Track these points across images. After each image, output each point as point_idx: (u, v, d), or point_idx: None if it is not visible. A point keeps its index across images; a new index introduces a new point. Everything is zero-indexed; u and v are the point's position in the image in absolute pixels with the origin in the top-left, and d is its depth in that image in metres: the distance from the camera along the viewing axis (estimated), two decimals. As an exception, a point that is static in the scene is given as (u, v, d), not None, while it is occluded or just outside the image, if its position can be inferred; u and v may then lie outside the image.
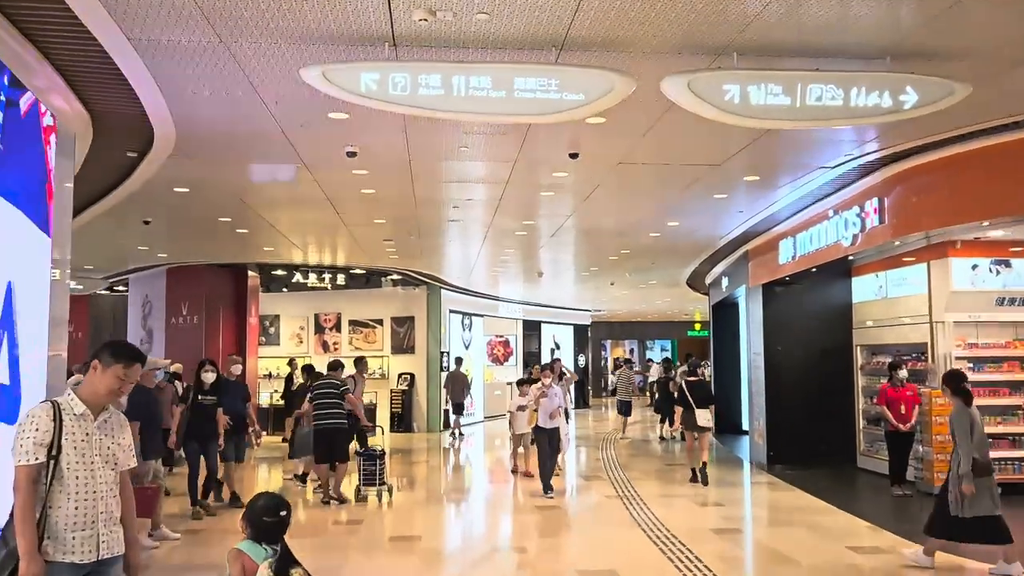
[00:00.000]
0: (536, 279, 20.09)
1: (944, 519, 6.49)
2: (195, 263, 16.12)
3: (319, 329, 22.22)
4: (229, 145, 7.27)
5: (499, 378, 25.80)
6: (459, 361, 19.79)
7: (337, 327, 22.01)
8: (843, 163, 8.04)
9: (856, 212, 9.20)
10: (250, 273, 17.54)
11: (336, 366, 10.97)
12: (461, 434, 19.03)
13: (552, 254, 15.17)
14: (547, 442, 10.52)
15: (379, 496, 10.54)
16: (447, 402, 19.48)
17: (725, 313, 19.31)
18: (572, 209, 10.56)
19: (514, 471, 12.46)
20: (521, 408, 11.77)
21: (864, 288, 12.74)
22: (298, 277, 17.40)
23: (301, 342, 22.41)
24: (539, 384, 10.91)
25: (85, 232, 11.76)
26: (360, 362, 13.09)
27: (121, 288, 19.54)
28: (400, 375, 20.78)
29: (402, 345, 21.16)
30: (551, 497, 10.28)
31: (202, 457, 9.22)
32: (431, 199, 9.90)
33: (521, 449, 12.49)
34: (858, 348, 12.86)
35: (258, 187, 9.03)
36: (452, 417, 18.99)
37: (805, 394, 12.92)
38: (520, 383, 12.51)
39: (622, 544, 8.04)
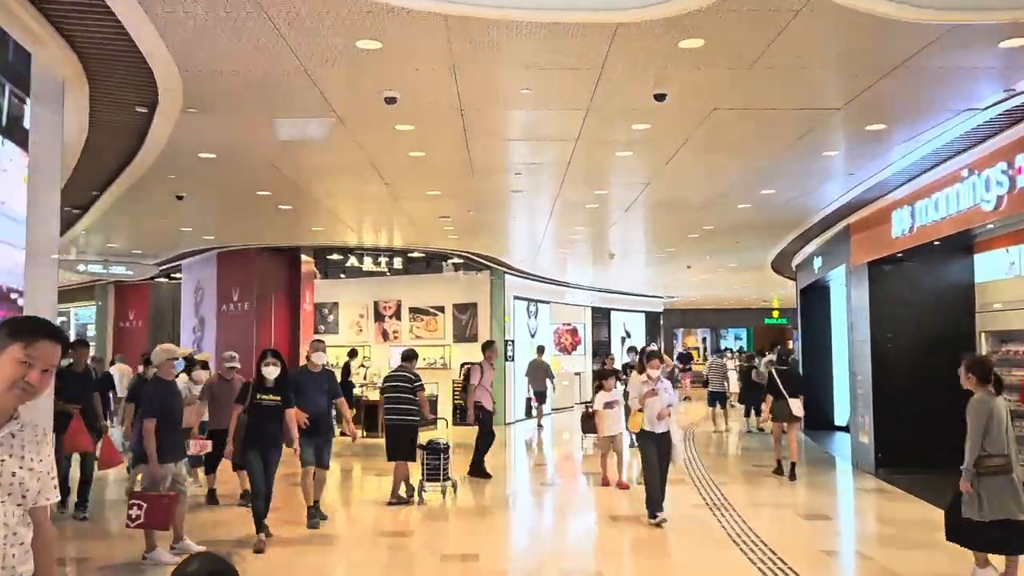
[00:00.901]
0: (606, 262, 18.69)
1: (961, 523, 5.76)
2: (244, 246, 15.22)
3: (378, 317, 21.27)
4: (245, 92, 6.12)
5: (566, 368, 24.51)
6: (541, 349, 19.17)
7: (397, 315, 21.02)
8: (998, 103, 6.45)
9: (1003, 169, 7.56)
10: (304, 257, 16.60)
11: (410, 356, 9.97)
12: (540, 424, 18.66)
13: (625, 232, 13.77)
14: (655, 450, 8.12)
15: (443, 492, 9.79)
16: (529, 390, 19.15)
17: (815, 297, 17.59)
18: (651, 175, 9.16)
19: (605, 483, 10.35)
20: (609, 405, 10.23)
21: (991, 265, 10.96)
22: (352, 261, 16.36)
23: (360, 330, 21.51)
24: (642, 377, 8.23)
25: (117, 212, 10.91)
26: (489, 347, 11.48)
27: (178, 276, 18.94)
28: (463, 365, 19.64)
29: (464, 333, 20.03)
30: (657, 521, 8.11)
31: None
32: (490, 164, 8.63)
33: (613, 456, 10.62)
34: (983, 335, 11.11)
35: (290, 150, 7.90)
36: (535, 405, 18.84)
37: (919, 388, 11.20)
38: (602, 377, 11.14)
39: (720, 570, 6.67)
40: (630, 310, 28.24)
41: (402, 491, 9.50)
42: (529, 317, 21.78)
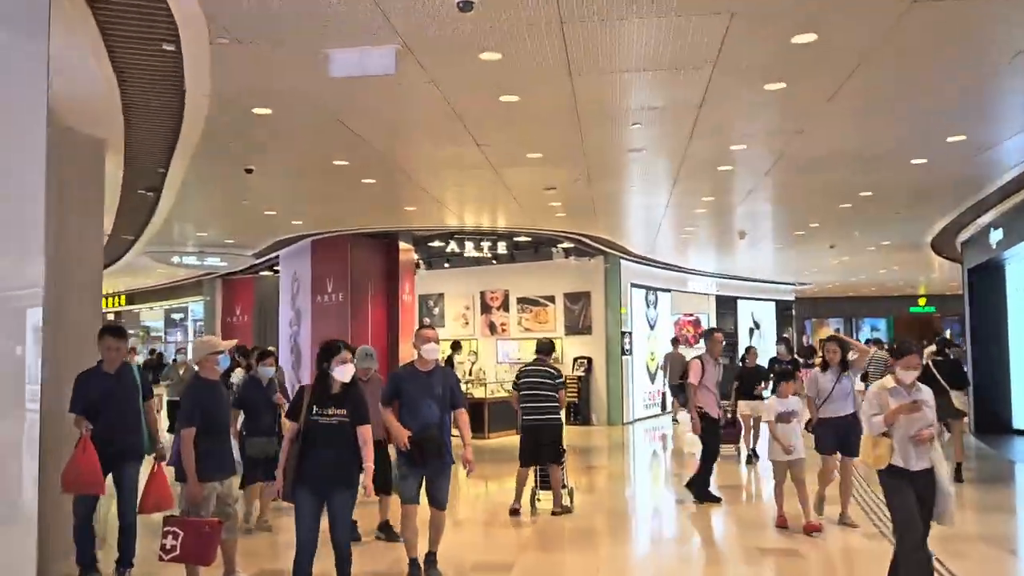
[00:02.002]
0: (733, 245, 16.64)
1: None
2: (338, 232, 14.11)
3: (485, 308, 19.95)
4: (282, 12, 4.73)
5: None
6: (676, 342, 18.18)
7: (504, 306, 19.63)
8: None
9: None
10: (402, 245, 15.38)
11: (548, 349, 8.97)
12: (676, 419, 17.90)
13: (760, 205, 11.80)
14: (913, 498, 4.97)
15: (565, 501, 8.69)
16: (665, 385, 18.47)
17: (986, 279, 15.01)
18: (805, 119, 7.28)
19: (782, 523, 7.64)
20: (784, 417, 7.50)
21: None
22: (453, 246, 15.03)
23: (466, 323, 20.26)
24: (886, 383, 5.25)
25: (193, 193, 9.91)
26: (710, 336, 9.28)
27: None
28: (576, 359, 18.08)
29: (577, 325, 18.42)
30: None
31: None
32: (602, 113, 6.99)
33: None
34: None
35: (353, 99, 6.49)
36: (671, 400, 18.28)
37: None
38: (751, 377, 9.34)
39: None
40: (759, 298, 25.84)
41: (525, 498, 8.69)
42: (648, 307, 19.93)
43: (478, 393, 15.97)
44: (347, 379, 5.16)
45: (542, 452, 8.51)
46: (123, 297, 29.34)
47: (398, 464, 6.15)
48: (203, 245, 15.20)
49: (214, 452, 5.64)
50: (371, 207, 11.40)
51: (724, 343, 9.10)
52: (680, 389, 17.71)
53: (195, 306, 26.49)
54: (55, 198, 7.12)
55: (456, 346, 16.71)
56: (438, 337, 6.29)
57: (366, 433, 5.16)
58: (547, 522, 8.22)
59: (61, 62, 4.79)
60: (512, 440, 14.45)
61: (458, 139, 7.65)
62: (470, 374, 17.54)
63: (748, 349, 12.01)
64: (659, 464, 13.90)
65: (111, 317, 32.86)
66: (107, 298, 30.01)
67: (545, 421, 8.51)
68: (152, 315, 31.47)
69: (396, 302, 15.16)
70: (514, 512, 8.47)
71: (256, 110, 6.65)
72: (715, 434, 9.10)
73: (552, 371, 8.68)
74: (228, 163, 8.53)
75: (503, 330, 19.59)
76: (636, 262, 18.57)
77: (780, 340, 15.71)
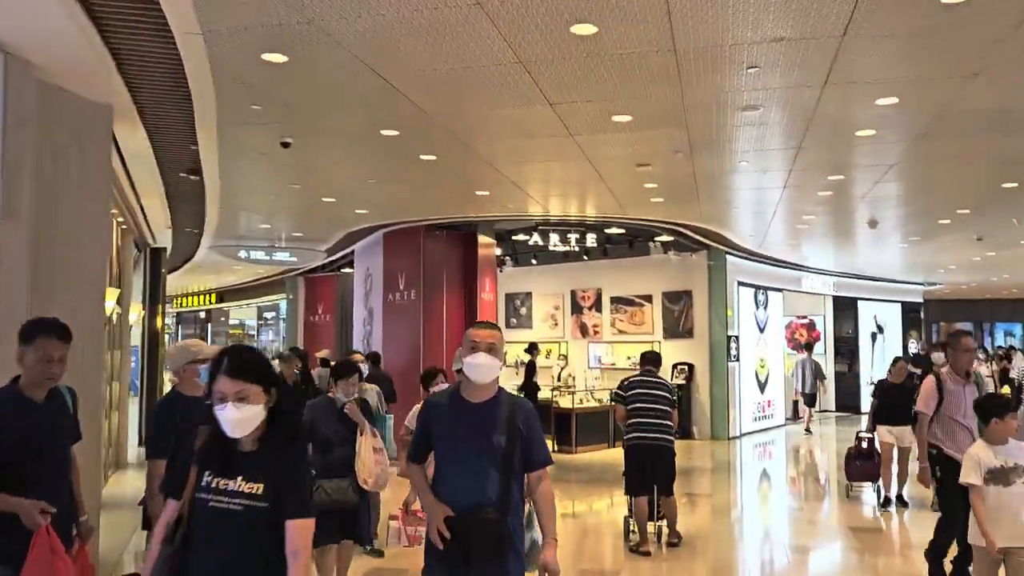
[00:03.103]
0: (859, 236, 14.52)
1: None
2: (408, 222, 12.85)
3: (576, 308, 18.39)
4: None
5: (803, 370, 20.32)
6: (809, 347, 17.84)
7: (597, 305, 18.02)
8: None
9: None
10: (482, 239, 14.00)
11: (654, 359, 7.87)
12: (808, 430, 16.97)
13: (903, 184, 9.81)
14: None
15: (657, 536, 7.56)
16: (796, 393, 17.53)
17: None
18: (984, 57, 5.43)
19: None
20: (1002, 477, 4.50)
21: None
22: (536, 239, 13.52)
23: (556, 324, 18.75)
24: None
25: (236, 175, 8.77)
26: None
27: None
28: (675, 366, 16.28)
29: (677, 327, 16.63)
30: None
31: None
32: (708, 53, 5.34)
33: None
34: None
35: (387, 37, 5.05)
36: (804, 409, 17.38)
37: None
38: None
39: None
40: (883, 300, 23.26)
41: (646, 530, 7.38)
42: (757, 307, 17.91)
43: (565, 402, 14.43)
44: (245, 429, 2.74)
45: (656, 478, 7.33)
46: (213, 295, 29.19)
47: (426, 560, 3.55)
48: (271, 239, 14.24)
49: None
50: (436, 191, 10.01)
51: (974, 349, 6.37)
52: (812, 399, 16.86)
53: (284, 304, 25.96)
54: (48, 169, 6.05)
55: (533, 349, 15.20)
56: (502, 340, 3.53)
57: (300, 535, 2.70)
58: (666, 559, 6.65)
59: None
60: (602, 456, 12.98)
61: (525, 92, 6.13)
62: (558, 379, 16.03)
63: (895, 361, 9.68)
64: (778, 493, 12.02)
65: (201, 315, 32.96)
66: (197, 296, 29.97)
67: (661, 441, 7.31)
68: (243, 313, 31.26)
69: (475, 301, 13.78)
70: (643, 553, 7.22)
71: (266, 56, 5.32)
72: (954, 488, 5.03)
73: (668, 384, 7.66)
74: (260, 135, 7.29)
75: (595, 332, 17.98)
76: (744, 258, 16.63)
77: (936, 346, 13.13)
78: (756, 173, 9.14)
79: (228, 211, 11.44)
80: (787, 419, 18.68)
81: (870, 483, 9.40)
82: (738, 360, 16.37)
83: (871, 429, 9.27)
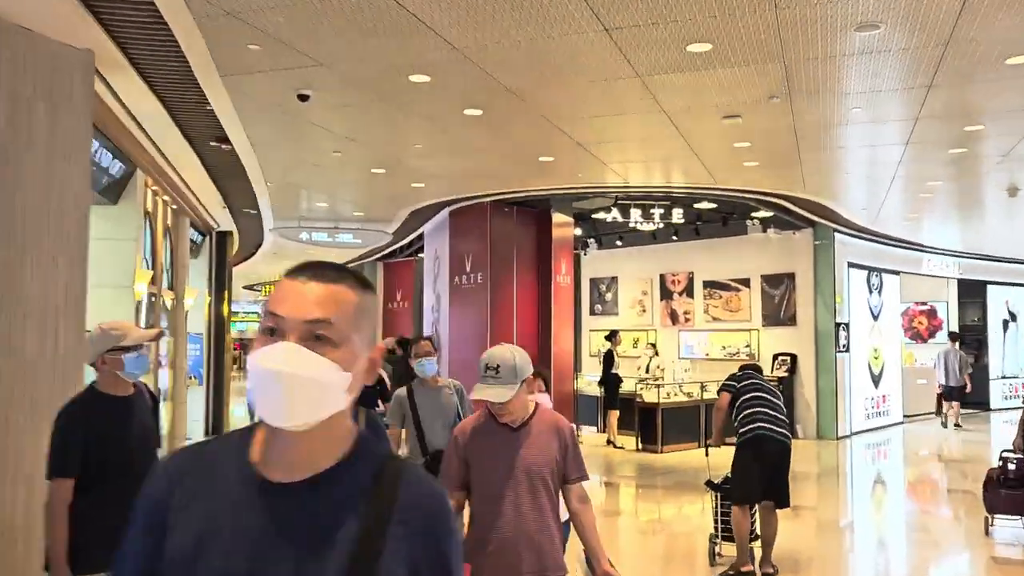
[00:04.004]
0: (992, 208, 12.54)
1: None
2: (473, 198, 11.72)
3: (665, 294, 16.91)
4: None
5: (923, 362, 18.25)
6: (955, 336, 16.57)
7: (688, 290, 16.49)
8: None
9: None
10: (557, 217, 12.75)
11: (756, 368, 6.69)
12: (958, 424, 15.61)
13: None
14: None
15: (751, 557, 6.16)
16: (939, 387, 16.04)
17: None
18: None
19: None
20: None
21: None
22: (615, 215, 12.14)
23: (644, 310, 17.33)
24: None
25: (267, 146, 7.84)
26: None
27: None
28: (776, 357, 14.65)
29: (778, 314, 14.96)
30: None
31: None
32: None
33: None
34: None
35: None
36: (944, 404, 16.08)
37: None
38: None
39: None
40: (1017, 283, 20.73)
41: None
42: (870, 292, 16.00)
43: (650, 396, 13.05)
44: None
45: (776, 483, 6.07)
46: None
47: None
48: (333, 220, 13.40)
49: (110, 527, 3.30)
50: (493, 157, 8.78)
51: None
52: (957, 393, 15.64)
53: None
54: (3, 126, 5.18)
55: (613, 337, 13.85)
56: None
57: None
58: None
59: None
60: (691, 457, 11.53)
61: (567, 11, 4.85)
62: (646, 371, 14.65)
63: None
64: (898, 505, 10.37)
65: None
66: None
67: (787, 440, 6.13)
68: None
69: (549, 285, 12.55)
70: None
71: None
72: None
73: (766, 384, 6.45)
74: (269, 85, 6.27)
75: (686, 320, 16.46)
76: (855, 236, 14.80)
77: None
78: (871, 125, 7.55)
79: (277, 188, 10.59)
80: (901, 420, 16.72)
81: (1021, 518, 7.25)
82: (848, 351, 14.59)
83: (1021, 447, 7.37)
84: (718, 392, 6.53)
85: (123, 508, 3.09)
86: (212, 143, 8.31)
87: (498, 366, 3.03)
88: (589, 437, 13.95)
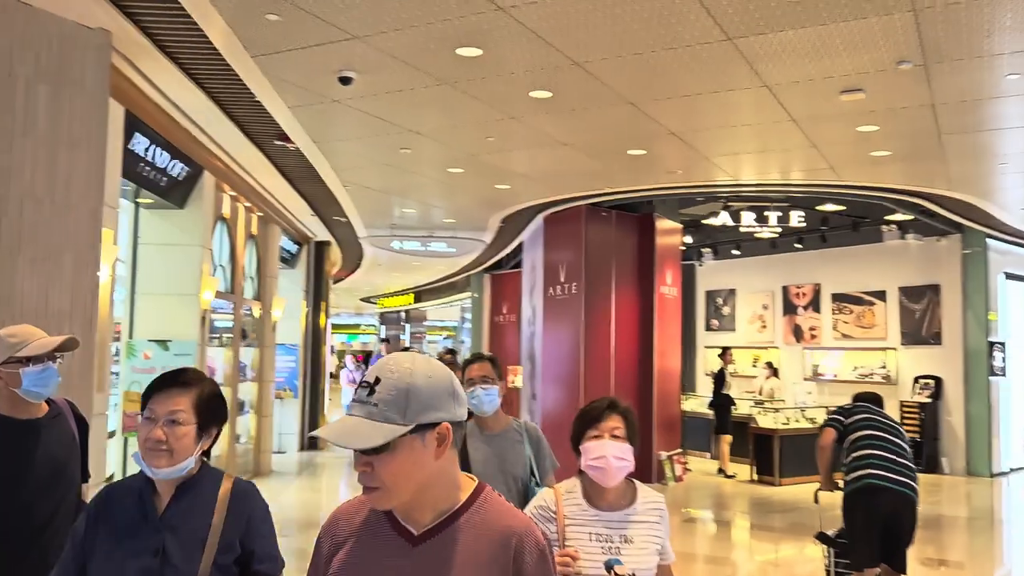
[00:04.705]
0: None
1: None
2: (567, 201, 10.80)
3: (788, 308, 15.39)
4: None
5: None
6: None
7: (814, 304, 14.92)
8: None
9: None
10: (662, 223, 11.66)
11: (873, 400, 5.49)
12: None
13: None
14: None
15: None
16: None
17: None
18: None
19: None
20: None
21: None
22: (723, 218, 10.89)
23: (764, 326, 15.86)
24: None
25: (327, 143, 7.24)
26: None
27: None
28: (917, 380, 12.92)
29: (919, 332, 13.21)
30: None
31: None
32: None
33: None
34: None
35: None
36: None
37: None
38: None
39: None
40: None
41: None
42: (1032, 307, 13.94)
43: (766, 422, 11.68)
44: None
45: (894, 542, 4.90)
46: (412, 295, 28.84)
47: None
48: (424, 227, 12.80)
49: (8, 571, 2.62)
50: (570, 149, 7.83)
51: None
52: None
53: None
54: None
55: (725, 354, 12.53)
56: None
57: None
58: None
59: None
60: (809, 492, 9.98)
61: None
62: (760, 393, 13.26)
63: None
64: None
65: (400, 315, 32.91)
66: (396, 295, 29.81)
67: (907, 489, 4.90)
68: (443, 313, 30.75)
69: (651, 297, 11.44)
70: None
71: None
72: None
73: (900, 426, 5.29)
74: (305, 66, 5.60)
75: (812, 337, 14.89)
76: (1014, 242, 12.88)
77: None
78: (1034, 97, 6.14)
79: (357, 192, 10.04)
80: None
81: None
82: (1004, 374, 12.66)
83: None
84: (821, 428, 5.36)
85: (14, 543, 2.30)
86: (276, 142, 7.81)
87: (376, 380, 1.48)
88: (699, 464, 12.68)
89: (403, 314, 32.69)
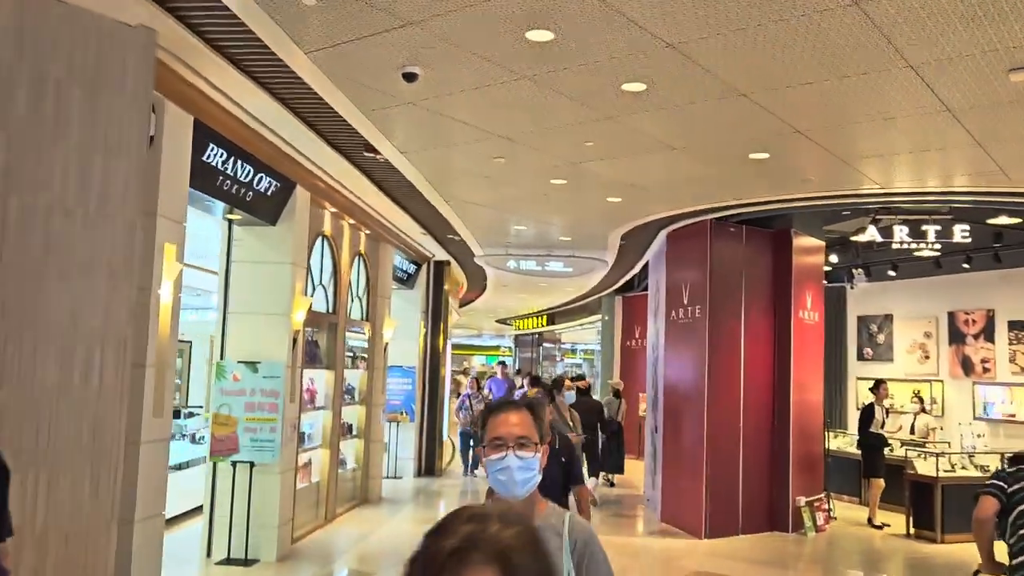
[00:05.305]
0: None
1: None
2: (691, 215, 9.82)
3: (956, 336, 13.56)
4: None
5: None
6: None
7: (987, 333, 13.06)
8: None
9: None
10: (801, 240, 10.45)
11: None
12: None
13: None
14: None
15: None
16: None
17: None
18: None
19: None
20: None
21: None
22: (871, 234, 9.52)
23: (926, 357, 14.08)
24: None
25: (426, 160, 6.75)
26: None
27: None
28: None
29: (1119, 366, 11.20)
30: None
31: None
32: None
33: None
34: None
35: None
36: None
37: None
38: None
39: None
40: None
41: None
42: None
43: (925, 467, 10.12)
44: None
45: None
46: (544, 317, 28.23)
47: None
48: (541, 246, 12.13)
49: None
50: (680, 154, 6.89)
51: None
52: None
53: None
54: (23, 112, 4.40)
55: (878, 388, 11.02)
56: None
57: None
58: None
59: None
60: (977, 554, 8.34)
61: None
62: (911, 431, 11.65)
63: None
64: None
65: (533, 338, 32.28)
66: (529, 318, 29.31)
67: None
68: (577, 335, 29.95)
69: (788, 322, 10.22)
70: None
71: None
72: None
73: None
74: (369, 62, 5.06)
75: (984, 370, 13.01)
76: None
77: None
78: None
79: (459, 207, 9.52)
80: None
81: None
82: None
83: None
84: (975, 496, 4.22)
85: None
86: (365, 153, 7.38)
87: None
88: (845, 511, 11.23)
89: (536, 336, 32.15)
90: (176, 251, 5.61)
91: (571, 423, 10.13)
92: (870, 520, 10.48)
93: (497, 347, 42.76)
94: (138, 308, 5.20)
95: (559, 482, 4.84)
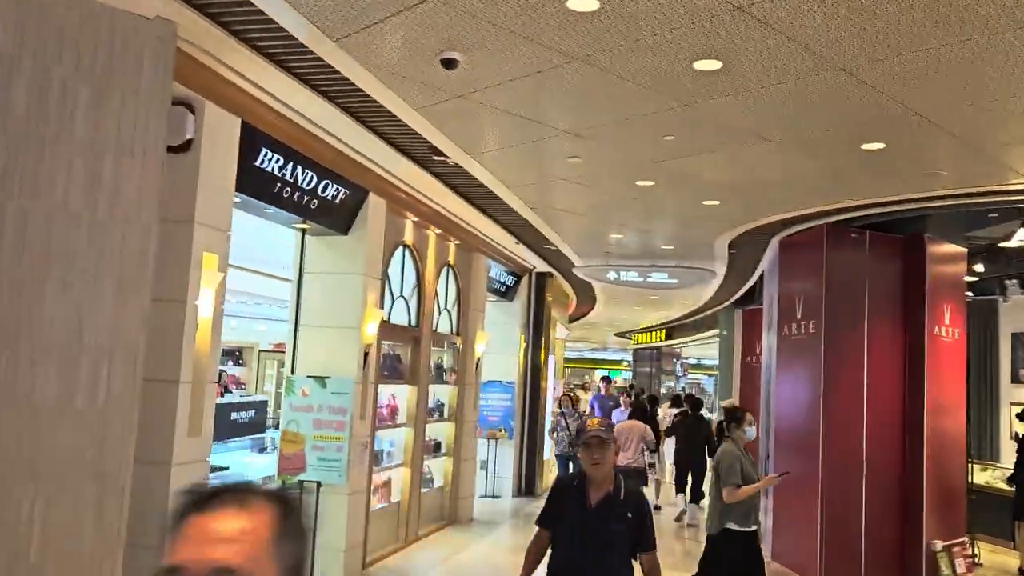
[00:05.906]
0: None
1: None
2: (801, 218, 8.81)
3: None
4: None
5: None
6: None
7: None
8: None
9: None
10: (934, 246, 9.20)
11: None
12: None
13: None
14: None
15: None
16: None
17: None
18: None
19: None
20: None
21: None
22: (1019, 238, 8.18)
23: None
24: None
25: (493, 161, 6.27)
26: None
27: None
28: None
29: None
30: None
31: None
32: None
33: None
34: None
35: None
36: None
37: None
38: None
39: None
40: None
41: None
42: None
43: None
44: None
45: None
46: (663, 331, 27.13)
47: None
48: (643, 256, 11.34)
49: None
50: (770, 145, 6.01)
51: None
52: None
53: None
54: (21, 113, 4.13)
55: (1024, 417, 9.57)
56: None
57: None
58: None
59: None
60: None
61: None
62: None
63: None
64: None
65: (652, 353, 31.05)
66: (647, 331, 28.28)
67: None
68: (699, 350, 28.63)
69: (921, 340, 8.99)
70: None
71: None
72: None
73: None
74: (401, 47, 4.56)
75: None
76: None
77: None
78: None
79: (545, 213, 8.93)
80: None
81: None
82: None
83: None
84: None
85: None
86: (435, 157, 6.93)
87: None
88: (993, 557, 9.80)
89: (654, 351, 31.01)
90: (218, 261, 5.30)
91: (753, 469, 6.88)
92: (1021, 569, 9.06)
93: (620, 361, 41.85)
94: (169, 321, 4.92)
95: (627, 543, 3.76)
